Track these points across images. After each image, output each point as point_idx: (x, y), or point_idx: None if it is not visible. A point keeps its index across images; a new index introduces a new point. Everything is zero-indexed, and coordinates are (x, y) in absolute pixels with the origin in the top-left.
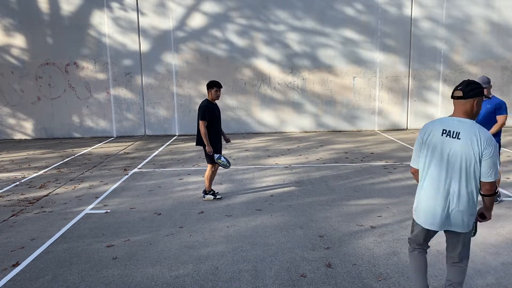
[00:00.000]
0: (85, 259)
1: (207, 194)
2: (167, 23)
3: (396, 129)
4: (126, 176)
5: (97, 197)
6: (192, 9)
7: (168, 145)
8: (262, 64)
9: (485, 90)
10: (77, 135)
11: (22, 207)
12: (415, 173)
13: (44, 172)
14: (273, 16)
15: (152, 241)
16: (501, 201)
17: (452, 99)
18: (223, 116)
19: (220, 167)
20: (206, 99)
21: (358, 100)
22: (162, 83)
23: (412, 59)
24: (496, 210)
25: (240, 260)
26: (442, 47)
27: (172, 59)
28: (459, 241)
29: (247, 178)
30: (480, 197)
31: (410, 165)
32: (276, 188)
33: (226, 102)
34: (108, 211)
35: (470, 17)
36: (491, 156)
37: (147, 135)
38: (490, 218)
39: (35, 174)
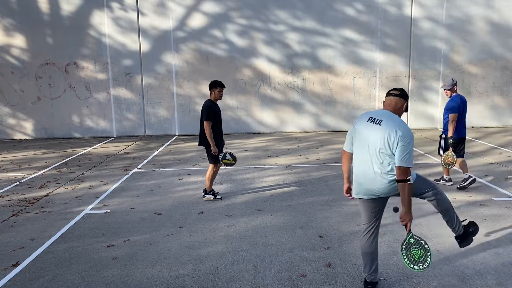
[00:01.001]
0: (85, 259)
1: (207, 194)
2: (167, 23)
3: None
4: (126, 176)
5: (97, 197)
6: (192, 9)
7: (168, 145)
8: (262, 64)
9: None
10: (77, 135)
11: (22, 207)
12: (344, 154)
13: (44, 172)
14: (273, 16)
15: (152, 241)
16: (469, 181)
17: (386, 96)
18: (223, 116)
19: (222, 167)
20: (209, 99)
21: (358, 100)
22: (162, 83)
23: (412, 59)
24: (496, 210)
25: (240, 260)
26: (442, 47)
27: (172, 59)
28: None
29: (247, 178)
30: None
31: (343, 148)
32: (276, 188)
33: (226, 102)
34: (108, 211)
35: (470, 17)
36: (405, 144)
37: (147, 135)
38: (409, 218)
39: (35, 174)
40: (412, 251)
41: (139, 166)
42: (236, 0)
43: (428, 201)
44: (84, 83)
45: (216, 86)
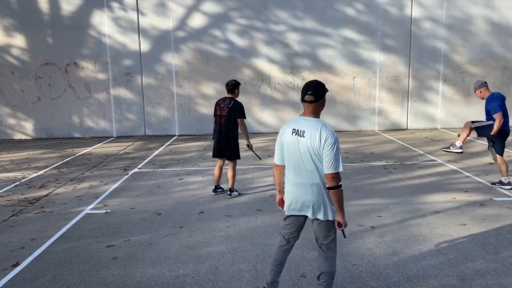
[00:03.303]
0: (85, 259)
1: (232, 192)
2: (167, 23)
3: (396, 129)
4: (126, 176)
5: (97, 197)
6: (192, 9)
7: (168, 145)
8: (262, 64)
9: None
10: (77, 135)
11: (22, 207)
12: (275, 167)
13: (44, 172)
14: (273, 16)
15: (152, 241)
16: None
17: (302, 102)
18: None
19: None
20: (235, 98)
21: (358, 100)
22: (162, 83)
23: (412, 59)
24: (496, 210)
25: (240, 260)
26: (442, 47)
27: (172, 59)
28: (322, 226)
29: (247, 178)
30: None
31: (274, 161)
32: None
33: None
34: (108, 211)
35: (470, 17)
36: (331, 149)
37: (147, 135)
38: (345, 224)
39: (35, 174)
40: None
41: (139, 166)
42: (236, 0)
43: (319, 247)
44: (84, 83)
45: (239, 85)
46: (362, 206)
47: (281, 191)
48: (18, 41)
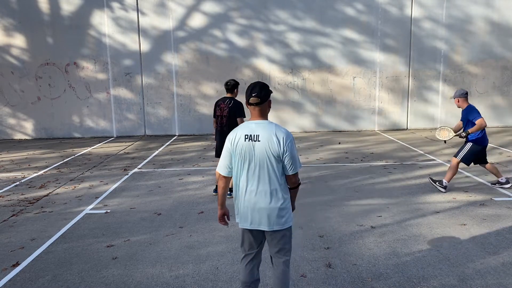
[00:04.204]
0: (85, 259)
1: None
2: (167, 23)
3: (396, 129)
4: (126, 176)
5: (97, 197)
6: (192, 9)
7: (168, 145)
8: (262, 64)
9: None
10: (77, 135)
11: (22, 207)
12: (220, 178)
13: (44, 172)
14: (273, 16)
15: (152, 241)
16: None
17: (248, 105)
18: None
19: None
20: (235, 98)
21: (358, 100)
22: (162, 83)
23: (412, 59)
24: (496, 210)
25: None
26: (442, 47)
27: (172, 59)
28: (278, 238)
29: None
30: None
31: (217, 170)
32: None
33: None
34: (108, 211)
35: (470, 17)
36: (290, 150)
37: (147, 135)
38: (294, 209)
39: (35, 174)
40: None
41: (139, 166)
42: (236, 0)
43: (273, 260)
44: (84, 83)
45: (238, 84)
46: (362, 206)
47: (224, 206)
48: (18, 41)
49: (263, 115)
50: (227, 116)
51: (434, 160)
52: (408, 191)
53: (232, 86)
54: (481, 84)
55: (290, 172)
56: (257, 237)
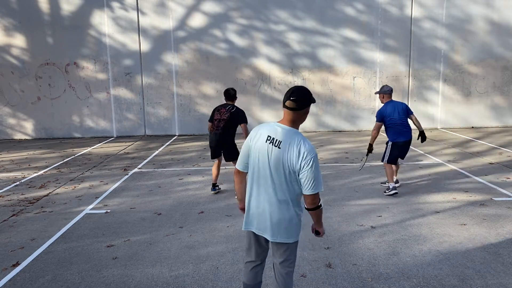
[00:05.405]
0: (85, 259)
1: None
2: (167, 23)
3: None
4: (126, 176)
5: (97, 197)
6: (192, 9)
7: (168, 145)
8: (262, 64)
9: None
10: (77, 135)
11: (22, 207)
12: (235, 173)
13: (44, 172)
14: (273, 16)
15: (152, 241)
16: (392, 191)
17: (284, 107)
18: None
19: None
20: (235, 105)
21: (358, 100)
22: (162, 83)
23: (412, 59)
24: (496, 210)
25: (240, 260)
26: (442, 47)
27: (172, 59)
28: (282, 250)
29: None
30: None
31: (235, 166)
32: None
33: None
34: (108, 211)
35: (470, 17)
36: (310, 167)
37: (147, 135)
38: (323, 233)
39: (35, 174)
40: None
41: (139, 166)
42: (236, 0)
43: (276, 269)
44: (84, 83)
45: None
46: (362, 206)
47: (244, 200)
48: (18, 41)
49: (295, 122)
50: (226, 120)
51: (434, 160)
52: (408, 191)
53: (234, 94)
54: (481, 84)
55: (306, 192)
56: (263, 244)
